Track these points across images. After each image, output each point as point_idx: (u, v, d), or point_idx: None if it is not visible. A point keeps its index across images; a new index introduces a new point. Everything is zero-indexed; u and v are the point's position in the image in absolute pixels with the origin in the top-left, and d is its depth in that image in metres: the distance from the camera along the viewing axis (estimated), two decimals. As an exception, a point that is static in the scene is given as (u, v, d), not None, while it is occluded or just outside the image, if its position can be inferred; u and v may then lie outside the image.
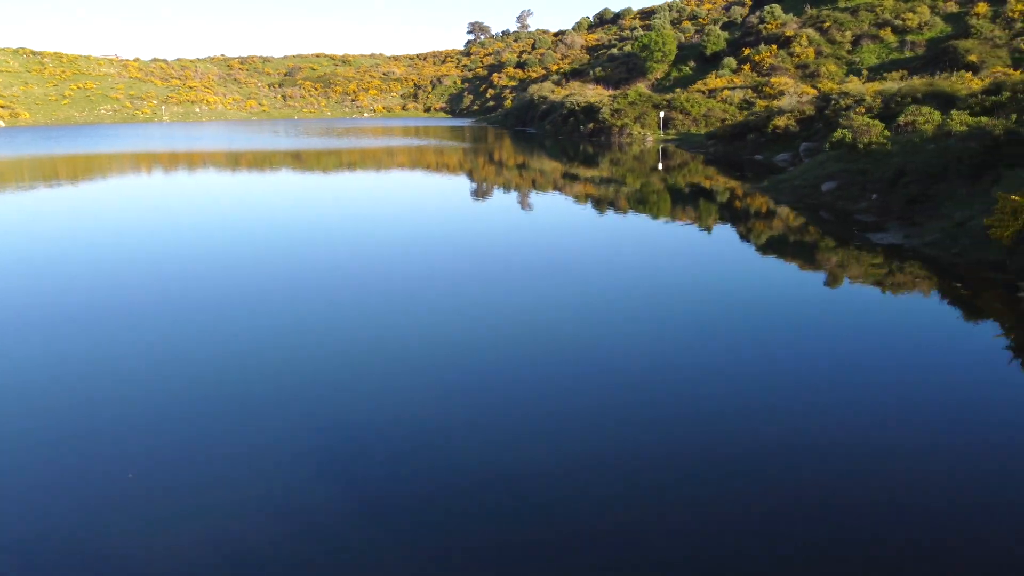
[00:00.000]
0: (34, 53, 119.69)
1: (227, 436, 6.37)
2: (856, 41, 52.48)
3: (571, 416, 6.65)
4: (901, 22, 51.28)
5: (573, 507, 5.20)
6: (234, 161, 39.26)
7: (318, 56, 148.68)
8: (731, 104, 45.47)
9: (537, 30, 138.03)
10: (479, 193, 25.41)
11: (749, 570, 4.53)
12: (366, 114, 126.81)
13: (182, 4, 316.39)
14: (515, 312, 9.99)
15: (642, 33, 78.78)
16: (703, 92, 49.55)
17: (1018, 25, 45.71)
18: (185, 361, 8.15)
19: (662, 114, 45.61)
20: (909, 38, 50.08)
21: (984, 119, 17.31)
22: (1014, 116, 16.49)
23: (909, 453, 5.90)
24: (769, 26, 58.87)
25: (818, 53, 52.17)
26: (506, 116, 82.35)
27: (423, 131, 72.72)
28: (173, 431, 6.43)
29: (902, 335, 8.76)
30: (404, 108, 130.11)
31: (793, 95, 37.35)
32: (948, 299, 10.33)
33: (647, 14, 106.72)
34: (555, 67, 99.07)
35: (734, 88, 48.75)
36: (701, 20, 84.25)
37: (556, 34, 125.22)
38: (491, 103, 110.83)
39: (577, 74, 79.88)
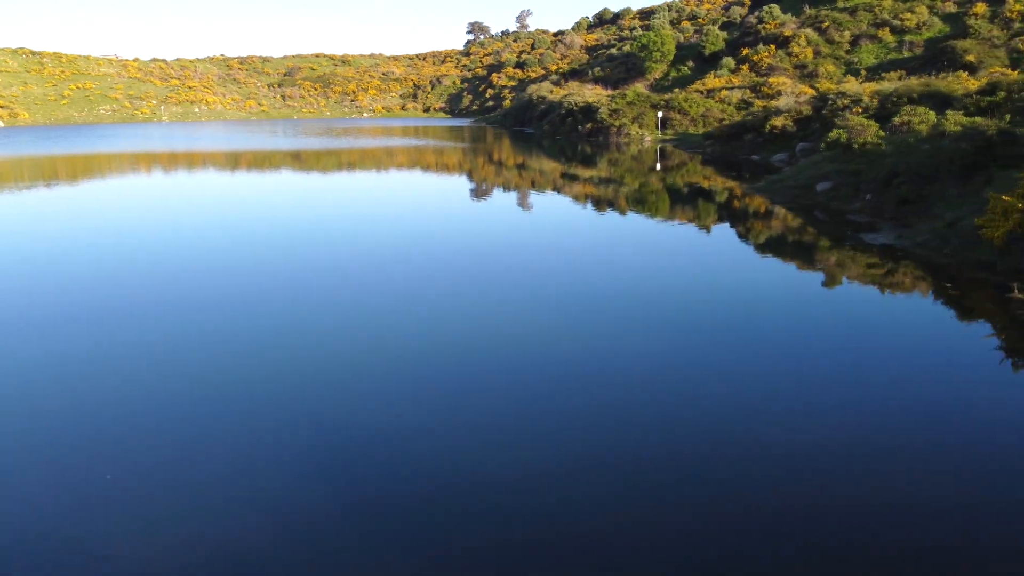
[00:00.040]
0: (33, 53, 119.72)
1: (227, 436, 6.37)
2: (854, 41, 52.49)
3: (570, 416, 6.65)
4: (899, 22, 51.29)
5: (573, 507, 5.20)
6: (233, 161, 39.29)
7: (317, 56, 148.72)
8: (729, 104, 45.49)
9: (536, 30, 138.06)
10: (478, 193, 25.43)
11: (749, 570, 4.53)
12: (365, 114, 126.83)
13: (182, 4, 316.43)
14: (514, 312, 10.00)
15: (641, 33, 78.78)
16: (701, 92, 49.57)
17: (1016, 25, 45.72)
18: (184, 361, 8.16)
19: (660, 114, 45.63)
20: (907, 38, 50.09)
21: (979, 119, 17.32)
22: (1008, 116, 16.50)
23: (908, 453, 5.90)
24: (767, 26, 58.88)
25: (816, 53, 52.18)
26: (505, 116, 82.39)
27: (422, 131, 72.75)
28: (173, 431, 6.44)
29: (892, 335, 8.76)
30: (403, 108, 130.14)
31: (790, 95, 37.36)
32: (938, 299, 10.34)
33: (646, 14, 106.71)
34: (554, 67, 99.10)
35: (732, 88, 48.77)
36: (700, 20, 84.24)
37: (555, 34, 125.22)
38: (490, 103, 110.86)
39: (576, 74, 79.94)
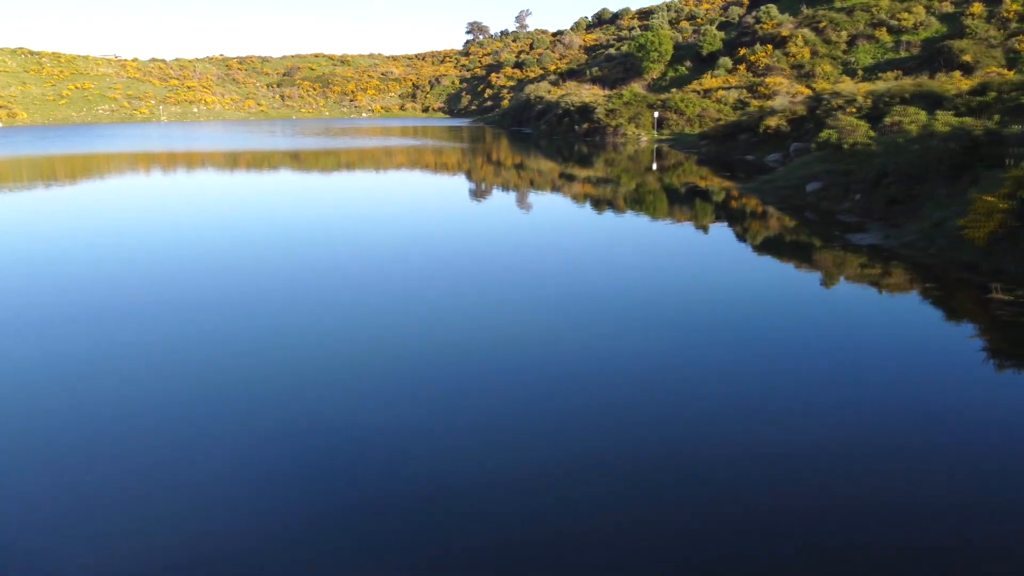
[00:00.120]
0: (32, 53, 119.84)
1: (226, 436, 6.37)
2: (852, 41, 52.50)
3: (570, 416, 6.65)
4: (897, 22, 51.31)
5: (573, 507, 5.20)
6: (232, 161, 39.34)
7: (316, 56, 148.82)
8: (726, 104, 45.50)
9: (536, 30, 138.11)
10: (477, 193, 25.47)
11: (749, 570, 4.53)
12: (364, 114, 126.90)
13: (181, 4, 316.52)
14: (513, 312, 9.99)
15: (639, 33, 78.83)
16: (698, 92, 49.58)
17: (1013, 25, 45.74)
18: (184, 361, 8.15)
19: (656, 114, 45.65)
20: (904, 38, 50.11)
21: (968, 119, 17.35)
22: (996, 116, 16.53)
23: (906, 453, 5.89)
24: (765, 26, 58.90)
25: (813, 53, 52.20)
26: (503, 116, 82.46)
27: (421, 131, 72.79)
28: (172, 431, 6.43)
29: (877, 336, 8.69)
30: (402, 108, 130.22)
31: (785, 95, 37.38)
32: (922, 300, 10.33)
33: (645, 14, 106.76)
34: (553, 67, 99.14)
35: (729, 88, 48.79)
36: (699, 20, 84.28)
37: (554, 34, 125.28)
38: (489, 103, 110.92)
39: (574, 74, 79.96)
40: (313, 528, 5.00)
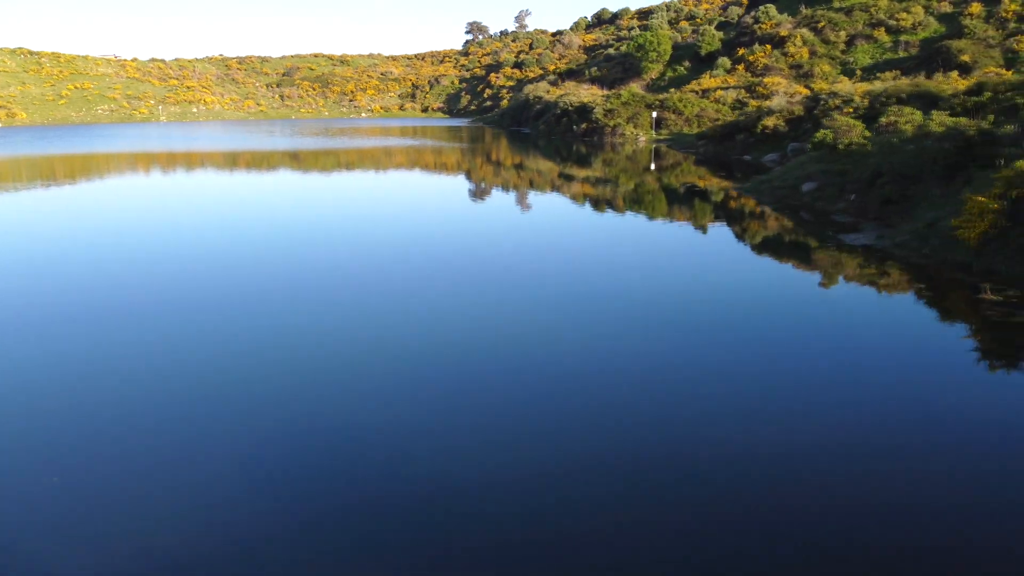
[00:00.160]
0: (31, 53, 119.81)
1: (226, 436, 6.41)
2: (850, 41, 52.55)
3: (570, 416, 6.69)
4: (895, 22, 51.35)
5: (573, 507, 5.23)
6: (232, 161, 39.37)
7: (316, 56, 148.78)
8: (724, 104, 45.53)
9: (535, 30, 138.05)
10: (477, 193, 25.57)
11: (749, 570, 4.56)
12: (364, 114, 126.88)
13: (180, 4, 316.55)
14: (513, 312, 10.05)
15: (638, 33, 78.86)
16: (696, 92, 49.62)
17: (1011, 25, 45.78)
18: (183, 361, 8.20)
19: (655, 114, 45.68)
20: (903, 38, 50.15)
21: (963, 119, 17.39)
22: (991, 116, 16.57)
23: (906, 453, 5.95)
24: (764, 26, 58.93)
25: (812, 53, 52.24)
26: (502, 116, 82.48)
27: (420, 131, 72.78)
28: (172, 431, 6.48)
29: (870, 336, 8.77)
30: (402, 108, 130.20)
31: (783, 95, 37.43)
32: (915, 301, 10.38)
33: (645, 14, 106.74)
34: (552, 67, 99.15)
35: (727, 88, 48.82)
36: (698, 20, 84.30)
37: (554, 34, 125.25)
38: (488, 103, 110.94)
39: (573, 74, 79.99)
40: (313, 528, 5.03)
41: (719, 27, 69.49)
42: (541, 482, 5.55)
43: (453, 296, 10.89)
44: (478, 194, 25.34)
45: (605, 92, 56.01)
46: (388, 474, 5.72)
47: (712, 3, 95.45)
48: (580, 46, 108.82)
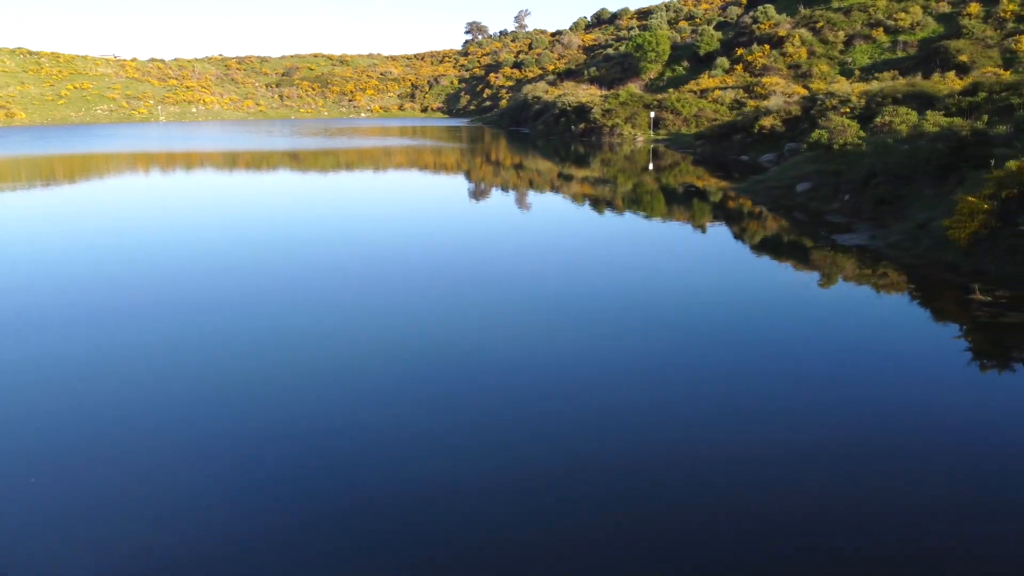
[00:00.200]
0: (31, 53, 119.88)
1: (226, 437, 6.43)
2: (849, 41, 52.64)
3: (569, 417, 6.71)
4: (894, 22, 51.43)
5: (573, 508, 5.25)
6: (231, 161, 39.41)
7: (315, 56, 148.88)
8: (722, 104, 45.59)
9: (535, 30, 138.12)
10: (476, 193, 25.64)
11: (749, 570, 4.57)
12: (363, 114, 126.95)
13: (180, 4, 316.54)
14: (513, 312, 10.07)
15: (637, 33, 78.91)
16: (695, 92, 49.69)
17: (1010, 25, 45.85)
18: (183, 362, 8.22)
19: (653, 114, 45.74)
20: (901, 38, 50.23)
21: (958, 120, 17.45)
22: (985, 117, 16.62)
23: (906, 453, 5.98)
24: (762, 26, 59.01)
25: (810, 53, 52.33)
26: (501, 116, 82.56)
27: (420, 131, 72.84)
28: (172, 432, 6.50)
29: (866, 336, 8.81)
30: (401, 108, 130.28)
31: (781, 95, 37.47)
32: (906, 301, 10.44)
33: (644, 14, 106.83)
34: (551, 67, 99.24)
35: (726, 88, 48.88)
36: (697, 20, 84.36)
37: (553, 34, 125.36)
38: (488, 103, 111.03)
39: (572, 74, 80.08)
40: (313, 528, 5.06)
41: (718, 27, 69.56)
42: (541, 483, 5.57)
43: (452, 296, 10.93)
44: (477, 194, 25.41)
45: (604, 92, 56.08)
46: (388, 474, 5.74)
47: (711, 3, 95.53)
48: (579, 46, 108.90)
